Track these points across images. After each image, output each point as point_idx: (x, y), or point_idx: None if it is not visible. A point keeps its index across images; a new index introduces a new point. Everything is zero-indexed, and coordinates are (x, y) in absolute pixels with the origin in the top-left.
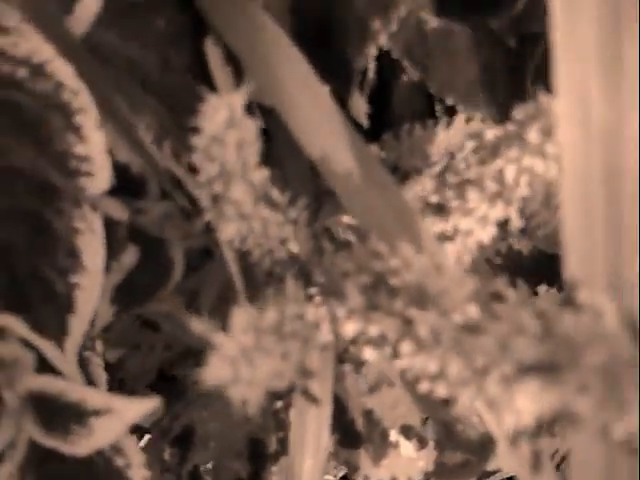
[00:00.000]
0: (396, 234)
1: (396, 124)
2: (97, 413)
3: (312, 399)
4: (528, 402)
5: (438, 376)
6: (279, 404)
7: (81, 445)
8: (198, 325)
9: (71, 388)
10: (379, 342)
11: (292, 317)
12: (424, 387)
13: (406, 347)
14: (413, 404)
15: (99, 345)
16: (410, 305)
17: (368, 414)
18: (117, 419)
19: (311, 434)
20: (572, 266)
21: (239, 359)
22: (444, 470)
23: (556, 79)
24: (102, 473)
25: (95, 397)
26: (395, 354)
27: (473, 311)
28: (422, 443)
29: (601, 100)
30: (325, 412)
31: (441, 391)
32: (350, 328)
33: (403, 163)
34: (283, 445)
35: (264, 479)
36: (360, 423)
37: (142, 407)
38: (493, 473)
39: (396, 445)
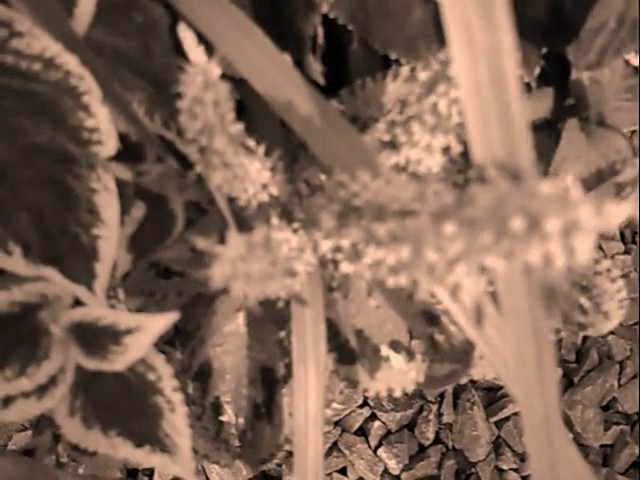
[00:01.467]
0: (356, 167)
1: (351, 80)
2: (129, 331)
3: (302, 302)
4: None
5: (398, 267)
6: (282, 334)
7: (118, 361)
8: (201, 242)
9: (105, 313)
10: (351, 253)
11: (278, 241)
12: (390, 281)
13: (371, 250)
14: (397, 321)
15: (121, 293)
16: (371, 218)
17: (359, 333)
18: (146, 334)
19: (310, 351)
20: (478, 154)
21: (236, 261)
22: (433, 380)
23: (446, 17)
24: (137, 387)
25: (126, 318)
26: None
27: (415, 205)
28: (410, 356)
29: (481, 27)
30: (320, 331)
31: (403, 281)
32: (326, 245)
33: (361, 113)
34: (289, 369)
35: (277, 401)
36: (353, 342)
37: (165, 320)
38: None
39: (387, 359)
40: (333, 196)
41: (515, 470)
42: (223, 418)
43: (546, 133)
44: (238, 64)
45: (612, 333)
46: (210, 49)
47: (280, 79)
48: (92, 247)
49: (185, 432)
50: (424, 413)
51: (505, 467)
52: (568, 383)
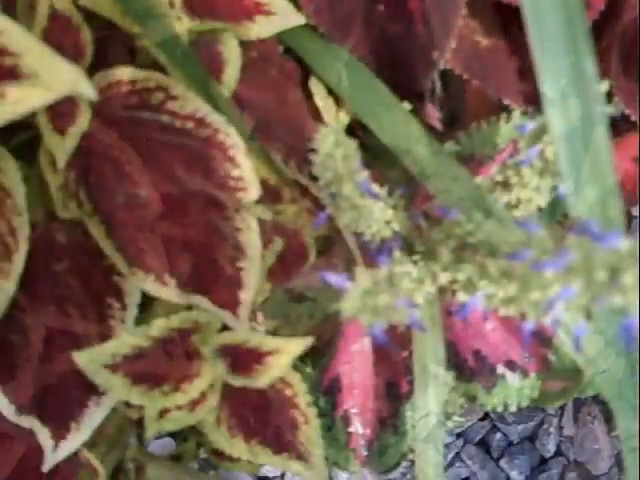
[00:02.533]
0: (470, 207)
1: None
2: (271, 353)
3: (422, 329)
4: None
5: (506, 300)
6: (405, 353)
7: (260, 379)
8: (333, 278)
9: (250, 337)
10: (466, 285)
11: (400, 274)
12: (501, 312)
13: (483, 284)
14: (512, 341)
15: (260, 317)
16: (484, 255)
17: (476, 353)
18: (286, 355)
19: (430, 370)
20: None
21: (364, 296)
22: (547, 396)
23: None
24: (276, 401)
25: (268, 341)
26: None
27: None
28: (524, 374)
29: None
30: (439, 352)
31: (512, 312)
32: (445, 277)
33: (476, 153)
34: (411, 385)
35: (401, 413)
36: (471, 361)
37: (303, 344)
38: None
39: (503, 377)
40: (450, 233)
41: None
42: (351, 429)
43: None
44: (363, 115)
45: None
46: (338, 101)
47: (400, 128)
48: (237, 278)
49: (318, 442)
50: (545, 426)
51: None
52: None
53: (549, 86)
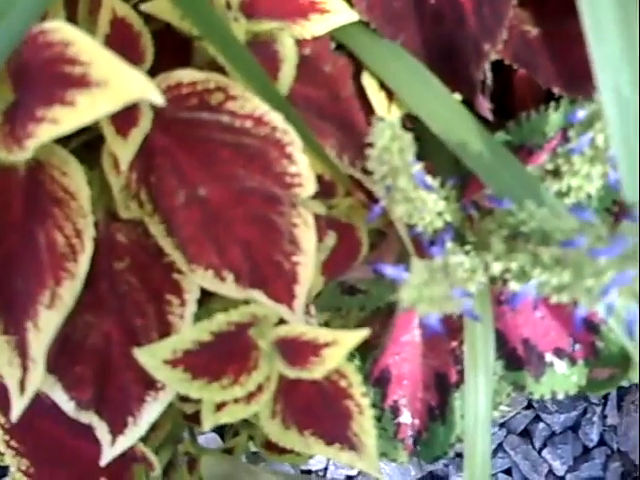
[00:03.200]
0: (522, 196)
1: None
2: (327, 345)
3: (475, 318)
4: None
5: (559, 287)
6: (454, 343)
7: (316, 371)
8: (390, 270)
9: (307, 329)
10: (519, 273)
11: (454, 265)
12: (554, 299)
13: (536, 272)
14: (560, 329)
15: (313, 309)
16: (537, 243)
17: (525, 342)
18: (341, 347)
19: (481, 359)
20: (628, 191)
21: (421, 286)
22: (595, 383)
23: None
24: (331, 392)
25: (324, 333)
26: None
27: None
28: (573, 361)
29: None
30: (490, 341)
31: (564, 299)
32: (497, 267)
33: (526, 142)
34: (461, 375)
35: (450, 404)
36: (520, 349)
37: (358, 336)
38: None
39: (551, 365)
40: (502, 222)
41: None
42: (400, 419)
43: None
44: (415, 107)
45: None
46: (390, 95)
47: (452, 119)
48: (293, 272)
49: (371, 432)
50: (588, 415)
51: None
52: None
53: (604, 73)
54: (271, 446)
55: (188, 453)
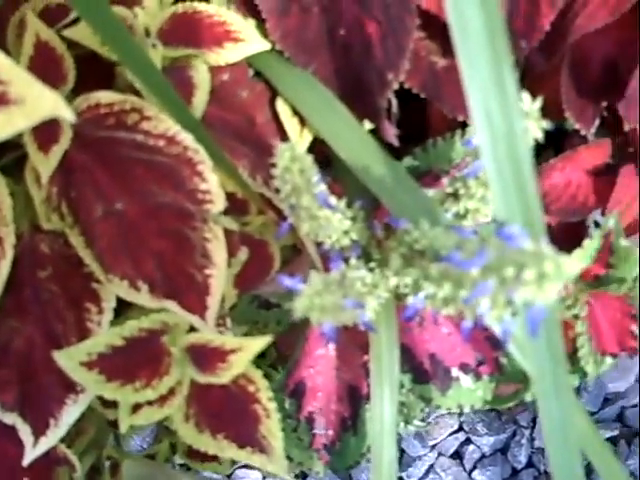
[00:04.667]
0: (419, 217)
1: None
2: (233, 351)
3: (372, 329)
4: None
5: (445, 300)
6: (366, 357)
7: (224, 376)
8: (287, 281)
9: (214, 337)
10: (413, 288)
11: (353, 278)
12: (443, 311)
13: (426, 285)
14: (466, 345)
15: (229, 322)
16: (429, 260)
17: (432, 357)
18: (246, 353)
19: (386, 371)
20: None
21: (313, 296)
22: (500, 398)
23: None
24: (240, 397)
25: (230, 340)
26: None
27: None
28: (477, 377)
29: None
30: (394, 354)
31: (451, 311)
32: (394, 281)
33: (433, 167)
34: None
35: (361, 415)
36: (427, 364)
37: (261, 342)
38: None
39: (457, 379)
40: (401, 240)
41: None
42: (315, 430)
43: (607, 178)
44: (323, 133)
45: None
46: (303, 120)
47: (357, 145)
48: (205, 284)
49: (278, 435)
50: (517, 437)
51: None
52: None
53: (475, 102)
54: (193, 454)
55: (111, 457)
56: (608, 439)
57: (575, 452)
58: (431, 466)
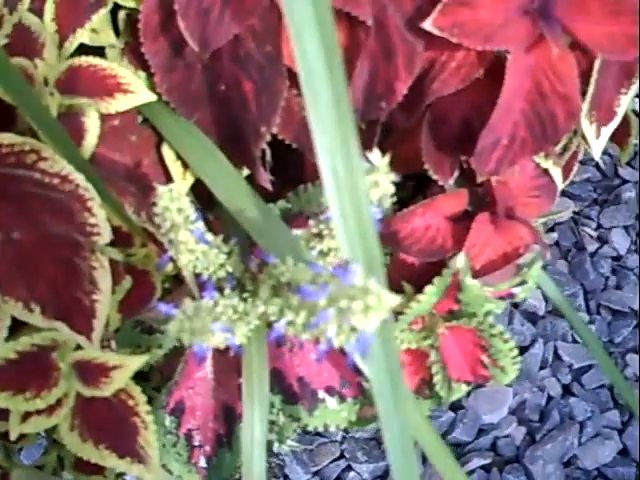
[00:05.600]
0: (285, 253)
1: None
2: (115, 367)
3: (239, 350)
4: None
5: (304, 326)
6: (241, 379)
7: (106, 389)
8: (162, 306)
9: (99, 354)
10: (278, 314)
11: (225, 306)
12: (303, 336)
13: (288, 313)
14: (332, 370)
15: (113, 344)
16: (289, 291)
17: (301, 379)
18: (127, 369)
19: (256, 390)
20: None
21: (184, 320)
22: (363, 419)
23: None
24: (120, 410)
25: (113, 357)
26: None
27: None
28: (342, 399)
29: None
30: (264, 375)
31: (308, 336)
32: (261, 309)
33: (304, 210)
34: None
35: (236, 432)
36: (296, 386)
37: (139, 360)
38: None
39: (323, 401)
40: (270, 274)
41: None
42: (193, 446)
43: (464, 223)
44: (204, 176)
45: (574, 395)
46: (185, 164)
47: (232, 189)
48: (91, 308)
49: (155, 445)
50: None
51: None
52: (531, 440)
53: (324, 161)
54: (79, 467)
55: (1, 467)
56: (482, 467)
57: (410, 448)
58: None
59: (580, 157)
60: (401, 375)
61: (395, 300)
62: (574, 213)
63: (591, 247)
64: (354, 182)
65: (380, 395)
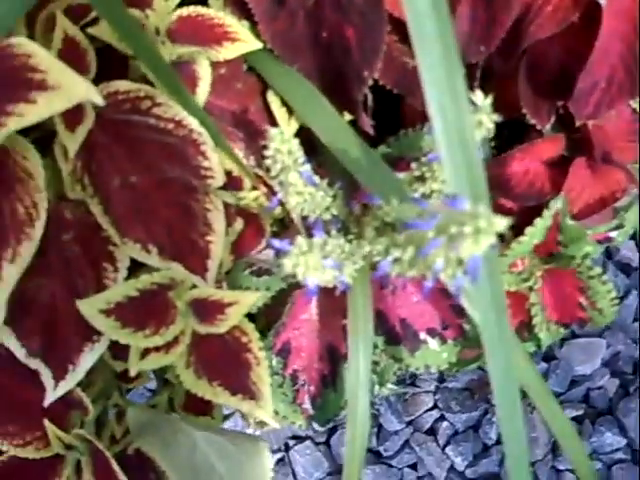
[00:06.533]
0: (389, 194)
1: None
2: (230, 304)
3: (346, 286)
4: None
5: (409, 263)
6: (345, 321)
7: (221, 326)
8: (276, 242)
9: (215, 292)
10: (384, 254)
11: (333, 245)
12: (409, 274)
13: (393, 250)
14: (433, 312)
15: (225, 287)
16: (394, 231)
17: (403, 321)
18: (242, 306)
19: (361, 331)
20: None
21: (299, 255)
22: (463, 361)
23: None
24: (234, 346)
25: (228, 294)
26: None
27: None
28: (443, 340)
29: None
30: (369, 316)
31: (414, 273)
32: (367, 249)
33: (405, 155)
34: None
35: (340, 373)
36: (398, 327)
37: (254, 296)
38: None
39: (425, 342)
40: (375, 215)
41: (571, 471)
42: (298, 386)
43: (561, 168)
44: (308, 121)
45: None
46: (290, 110)
47: (337, 133)
48: (206, 249)
49: (267, 381)
50: (488, 416)
51: (562, 467)
52: (624, 393)
53: (431, 98)
54: (189, 408)
55: (117, 405)
56: (573, 418)
57: (515, 387)
58: (406, 441)
59: None
60: (505, 310)
61: (504, 223)
62: None
63: None
64: (461, 118)
65: (485, 328)
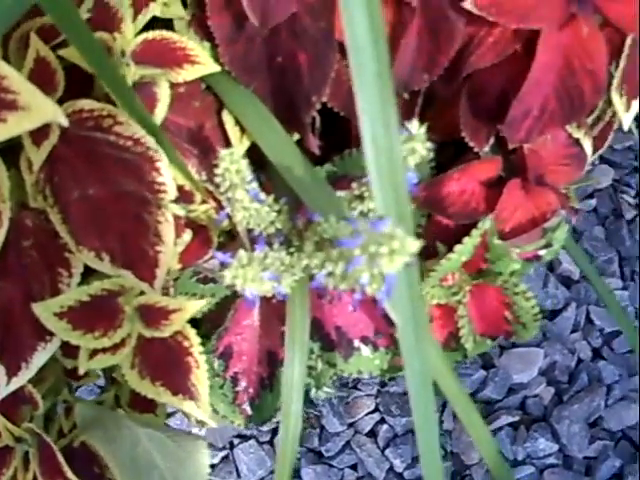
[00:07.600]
0: (329, 212)
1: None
2: (174, 311)
3: (283, 296)
4: None
5: (342, 276)
6: (284, 327)
7: (165, 331)
8: (220, 255)
9: (161, 298)
10: (320, 266)
11: (274, 258)
12: (341, 287)
13: (329, 265)
14: (367, 321)
15: (172, 291)
16: (331, 246)
17: (338, 329)
18: (185, 313)
19: (297, 337)
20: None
21: (239, 268)
22: (394, 368)
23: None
24: (176, 350)
25: (173, 301)
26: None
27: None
28: (375, 348)
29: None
30: (305, 323)
31: (345, 287)
32: (305, 262)
33: (349, 173)
34: None
35: (277, 376)
36: (333, 335)
37: (197, 305)
38: None
39: (358, 349)
40: (315, 231)
41: None
42: (238, 388)
43: (497, 188)
44: (259, 140)
45: (604, 359)
46: (243, 129)
47: (283, 152)
48: (155, 258)
49: (205, 383)
50: None
51: None
52: (558, 401)
53: (365, 125)
54: (134, 405)
55: (66, 401)
56: (510, 424)
57: (429, 386)
58: (347, 442)
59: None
60: (424, 316)
61: (416, 245)
62: (613, 180)
63: (629, 214)
64: (391, 146)
65: (404, 332)
